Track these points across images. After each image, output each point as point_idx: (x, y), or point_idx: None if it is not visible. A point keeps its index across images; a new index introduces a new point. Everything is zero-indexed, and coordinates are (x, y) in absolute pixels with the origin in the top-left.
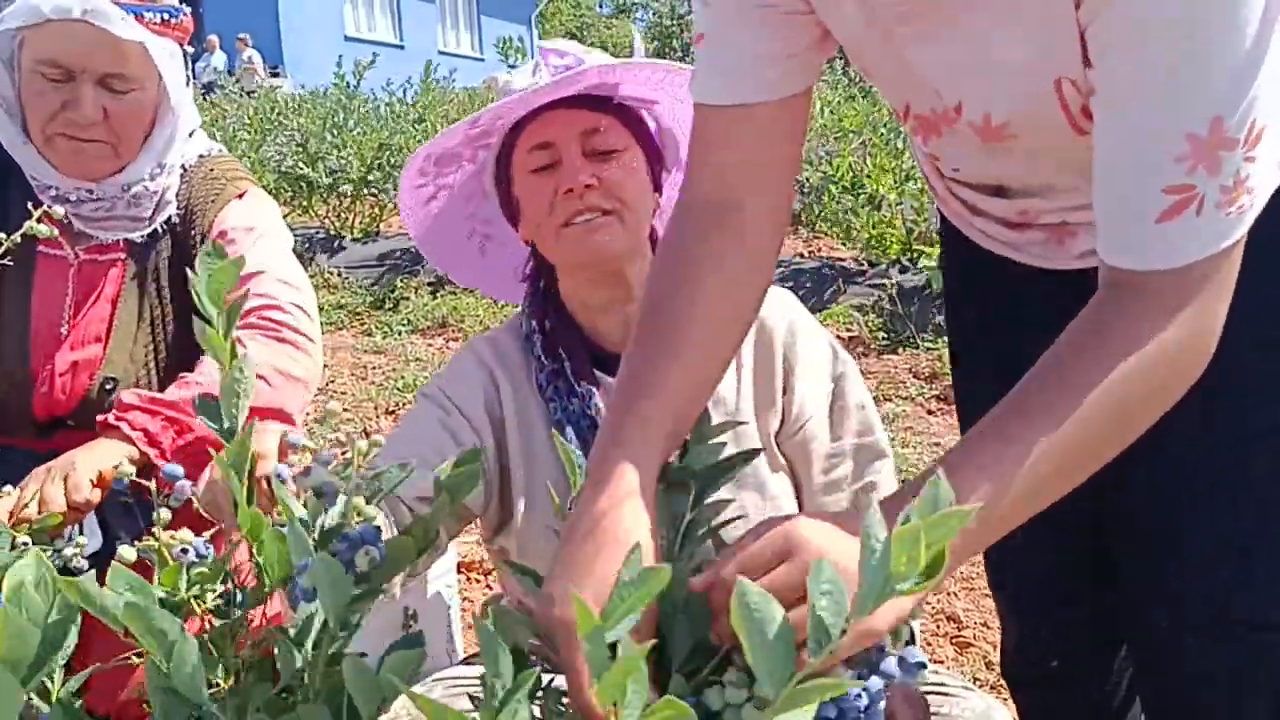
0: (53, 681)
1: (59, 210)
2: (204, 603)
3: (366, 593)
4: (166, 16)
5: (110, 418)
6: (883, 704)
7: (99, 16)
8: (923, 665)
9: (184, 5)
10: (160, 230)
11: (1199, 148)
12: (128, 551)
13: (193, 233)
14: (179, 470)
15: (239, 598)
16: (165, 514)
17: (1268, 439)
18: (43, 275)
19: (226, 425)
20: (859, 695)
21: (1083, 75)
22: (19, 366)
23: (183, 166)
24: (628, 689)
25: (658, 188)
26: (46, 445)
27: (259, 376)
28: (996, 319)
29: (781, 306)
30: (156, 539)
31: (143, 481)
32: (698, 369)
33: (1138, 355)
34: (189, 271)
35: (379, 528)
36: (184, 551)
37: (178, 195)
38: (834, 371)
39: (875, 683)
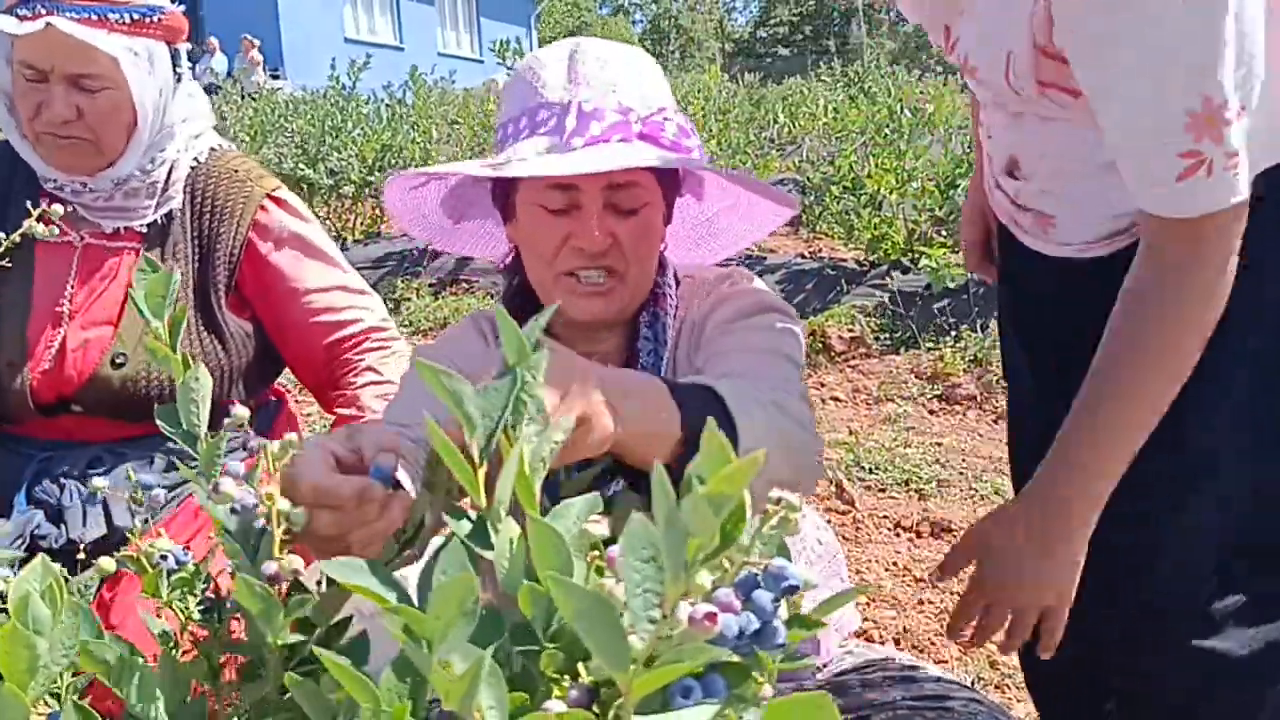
0: (61, 681)
1: (58, 209)
2: (187, 609)
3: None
4: (136, 16)
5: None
6: (776, 622)
7: (60, 22)
8: (793, 589)
9: (172, 4)
10: (175, 216)
11: (1198, 121)
12: (107, 563)
13: (221, 229)
14: (152, 480)
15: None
16: (137, 523)
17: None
18: (44, 262)
19: (185, 429)
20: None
21: (1026, 51)
22: (18, 351)
23: (195, 159)
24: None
25: (668, 218)
26: (50, 430)
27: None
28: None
29: (739, 286)
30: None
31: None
32: None
33: (1177, 291)
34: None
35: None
36: (164, 558)
37: (194, 189)
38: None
39: (761, 598)
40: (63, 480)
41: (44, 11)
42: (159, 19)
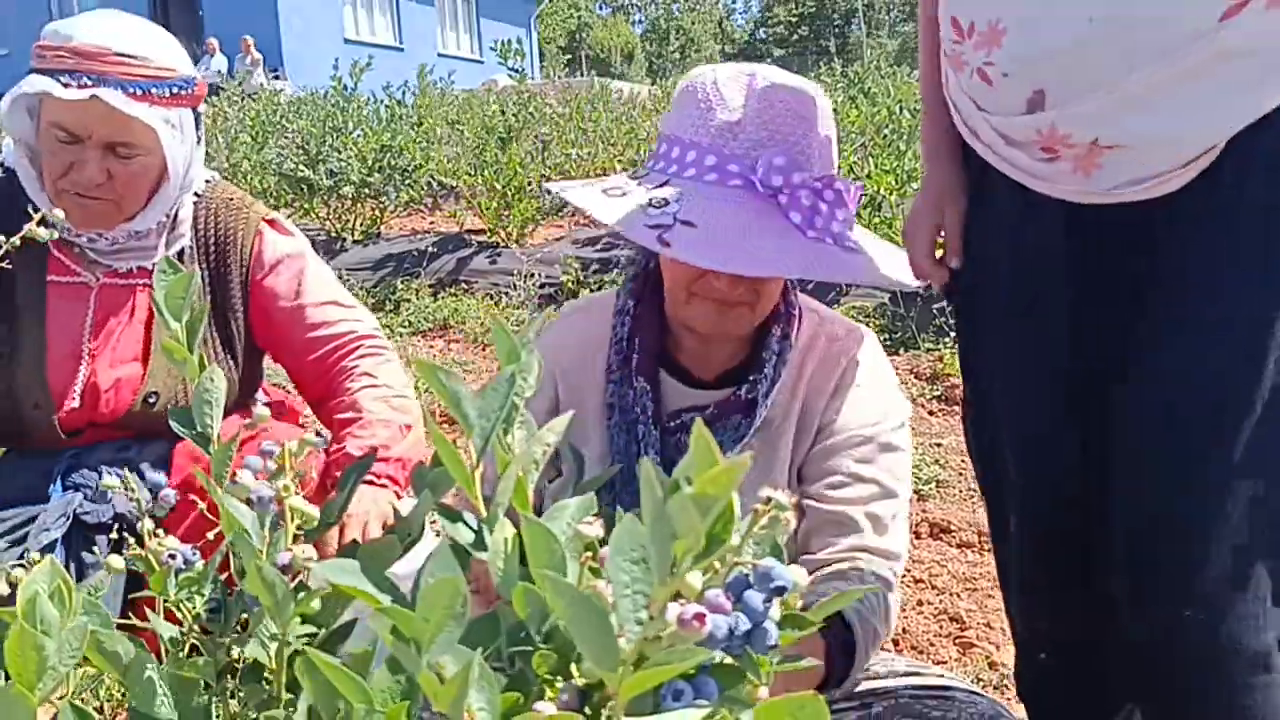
0: (67, 683)
1: (59, 213)
2: (193, 608)
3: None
4: (176, 90)
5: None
6: (768, 623)
7: (107, 95)
8: (782, 590)
9: (196, 74)
10: (188, 251)
11: None
12: (116, 561)
13: (229, 258)
14: (162, 479)
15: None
16: (148, 524)
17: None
18: (56, 304)
19: (199, 430)
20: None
21: None
22: (40, 392)
23: (197, 194)
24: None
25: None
26: (76, 440)
27: (402, 396)
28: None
29: (870, 359)
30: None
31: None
32: None
33: None
34: (155, 287)
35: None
36: (172, 557)
37: (197, 222)
38: (870, 434)
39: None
40: (99, 467)
41: (89, 84)
42: (192, 91)
